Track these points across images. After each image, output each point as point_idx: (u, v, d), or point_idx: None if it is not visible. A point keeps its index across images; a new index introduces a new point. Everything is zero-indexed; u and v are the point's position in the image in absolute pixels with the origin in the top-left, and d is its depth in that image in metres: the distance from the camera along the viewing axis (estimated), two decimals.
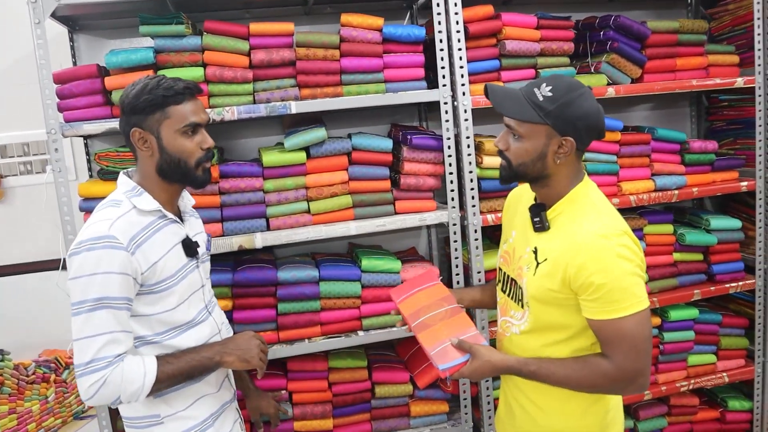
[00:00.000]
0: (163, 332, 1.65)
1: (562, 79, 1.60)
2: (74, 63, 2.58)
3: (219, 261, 2.37)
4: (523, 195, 1.83)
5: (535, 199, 1.74)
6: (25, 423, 2.60)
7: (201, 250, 1.77)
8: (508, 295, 1.79)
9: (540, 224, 1.65)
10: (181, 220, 1.75)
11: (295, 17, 2.58)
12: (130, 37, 2.59)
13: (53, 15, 2.23)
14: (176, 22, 2.19)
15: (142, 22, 2.18)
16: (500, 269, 1.85)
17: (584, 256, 1.53)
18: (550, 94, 1.56)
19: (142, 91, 1.61)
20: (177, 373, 1.61)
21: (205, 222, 2.27)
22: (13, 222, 2.68)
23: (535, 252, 1.66)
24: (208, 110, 2.19)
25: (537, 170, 1.62)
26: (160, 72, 2.19)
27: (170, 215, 1.68)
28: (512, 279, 1.76)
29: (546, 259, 1.62)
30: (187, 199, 1.83)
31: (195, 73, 2.20)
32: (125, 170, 1.71)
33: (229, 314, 2.32)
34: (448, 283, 2.53)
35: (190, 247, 1.71)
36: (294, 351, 2.35)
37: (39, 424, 2.65)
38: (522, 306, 1.71)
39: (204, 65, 2.23)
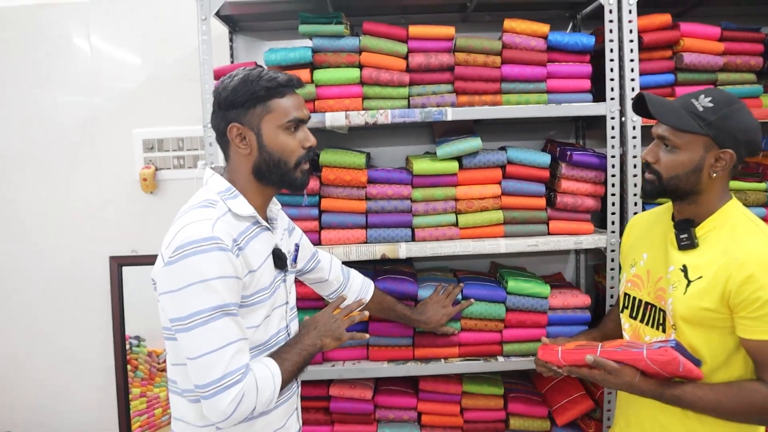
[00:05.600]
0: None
1: (720, 92, 1.56)
2: (231, 63, 2.61)
3: (359, 268, 2.29)
4: (654, 218, 1.79)
5: (673, 217, 1.65)
6: (153, 407, 2.69)
7: (288, 261, 1.65)
8: (642, 321, 1.69)
9: (688, 241, 1.58)
10: (270, 227, 1.61)
11: (451, 24, 2.47)
12: (286, 39, 2.59)
13: (217, 14, 2.25)
14: (336, 22, 2.14)
15: (302, 21, 2.15)
16: (627, 295, 1.75)
17: (753, 268, 1.45)
18: (710, 104, 1.52)
19: (243, 83, 1.48)
20: (295, 368, 1.53)
21: (349, 228, 2.22)
22: (165, 213, 2.71)
23: (685, 270, 1.57)
24: (362, 113, 2.13)
25: (689, 184, 1.56)
26: (317, 72, 2.16)
27: (263, 222, 1.56)
28: (647, 303, 1.69)
29: (701, 276, 1.54)
30: (273, 204, 1.67)
31: (351, 74, 2.15)
32: (212, 166, 1.58)
33: (365, 324, 2.25)
34: (600, 312, 2.32)
35: (280, 258, 1.58)
36: (428, 370, 2.22)
37: (165, 410, 2.72)
38: (663, 330, 1.62)
39: (360, 66, 2.17)
